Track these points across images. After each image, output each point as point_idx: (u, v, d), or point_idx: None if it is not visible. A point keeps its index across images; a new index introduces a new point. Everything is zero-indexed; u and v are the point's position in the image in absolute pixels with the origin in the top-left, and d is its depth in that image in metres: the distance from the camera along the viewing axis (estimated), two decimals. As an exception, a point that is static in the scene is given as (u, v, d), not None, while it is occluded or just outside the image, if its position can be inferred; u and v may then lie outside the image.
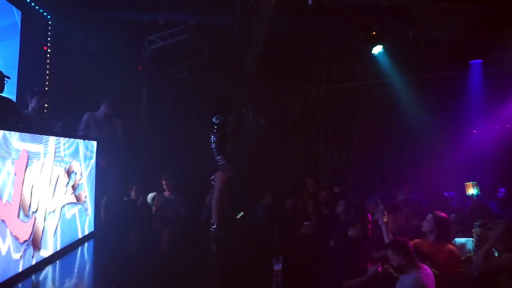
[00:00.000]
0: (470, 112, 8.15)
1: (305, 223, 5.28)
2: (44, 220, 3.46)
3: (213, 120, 4.56)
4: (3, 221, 2.87)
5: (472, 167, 7.45)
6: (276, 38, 6.60)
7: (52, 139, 3.67)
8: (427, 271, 3.08)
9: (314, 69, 8.51)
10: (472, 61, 7.68)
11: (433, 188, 6.77)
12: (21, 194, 3.09)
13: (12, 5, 5.25)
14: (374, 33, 5.41)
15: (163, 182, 5.77)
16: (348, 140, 9.02)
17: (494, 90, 7.69)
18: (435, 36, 5.76)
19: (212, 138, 4.57)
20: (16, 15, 5.40)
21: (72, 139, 4.18)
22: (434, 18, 5.25)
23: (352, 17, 5.43)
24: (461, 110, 8.21)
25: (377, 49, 5.62)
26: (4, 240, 2.87)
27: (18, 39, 5.44)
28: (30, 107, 4.51)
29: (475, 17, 5.21)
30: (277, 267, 3.36)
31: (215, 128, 4.55)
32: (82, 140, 4.44)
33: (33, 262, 3.27)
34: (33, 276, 3.18)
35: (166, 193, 5.83)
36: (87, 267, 3.75)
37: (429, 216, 3.50)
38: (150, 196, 6.08)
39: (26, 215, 3.16)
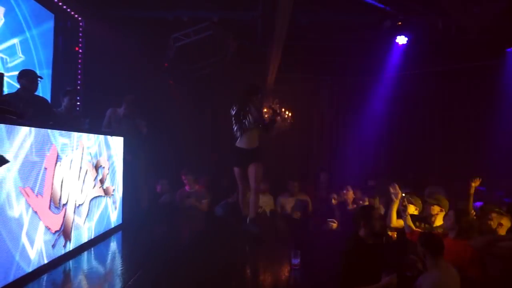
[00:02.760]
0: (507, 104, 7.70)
1: (328, 219, 5.25)
2: (74, 212, 3.67)
3: (230, 111, 4.25)
4: (36, 212, 3.07)
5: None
6: (299, 32, 6.55)
7: (80, 135, 3.86)
8: (451, 273, 2.87)
9: (338, 62, 8.35)
10: (509, 49, 7.25)
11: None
12: (52, 187, 3.29)
13: (45, 9, 5.53)
14: (399, 23, 5.25)
15: (183, 177, 5.90)
16: (377, 133, 8.80)
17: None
18: (465, 23, 5.49)
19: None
20: (49, 18, 5.69)
21: (100, 135, 4.38)
22: (463, 3, 5.00)
23: (377, 7, 5.30)
24: (497, 102, 7.77)
25: (402, 40, 5.45)
26: (36, 230, 3.08)
27: (52, 41, 5.74)
28: (62, 106, 4.76)
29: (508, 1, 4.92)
30: (295, 261, 3.38)
31: (232, 121, 4.26)
32: (109, 136, 4.64)
33: (64, 251, 3.49)
34: (64, 264, 3.40)
35: (187, 188, 5.97)
36: (115, 256, 3.94)
37: (450, 211, 3.36)
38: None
39: (57, 207, 3.37)
